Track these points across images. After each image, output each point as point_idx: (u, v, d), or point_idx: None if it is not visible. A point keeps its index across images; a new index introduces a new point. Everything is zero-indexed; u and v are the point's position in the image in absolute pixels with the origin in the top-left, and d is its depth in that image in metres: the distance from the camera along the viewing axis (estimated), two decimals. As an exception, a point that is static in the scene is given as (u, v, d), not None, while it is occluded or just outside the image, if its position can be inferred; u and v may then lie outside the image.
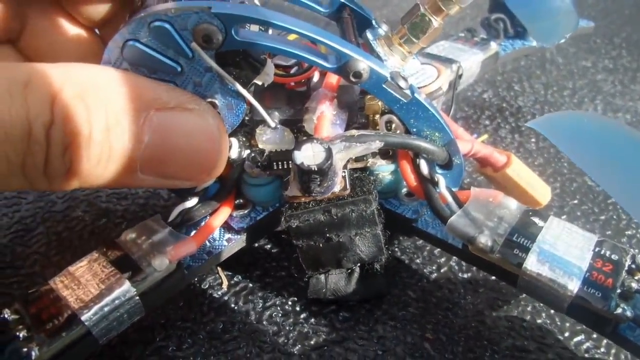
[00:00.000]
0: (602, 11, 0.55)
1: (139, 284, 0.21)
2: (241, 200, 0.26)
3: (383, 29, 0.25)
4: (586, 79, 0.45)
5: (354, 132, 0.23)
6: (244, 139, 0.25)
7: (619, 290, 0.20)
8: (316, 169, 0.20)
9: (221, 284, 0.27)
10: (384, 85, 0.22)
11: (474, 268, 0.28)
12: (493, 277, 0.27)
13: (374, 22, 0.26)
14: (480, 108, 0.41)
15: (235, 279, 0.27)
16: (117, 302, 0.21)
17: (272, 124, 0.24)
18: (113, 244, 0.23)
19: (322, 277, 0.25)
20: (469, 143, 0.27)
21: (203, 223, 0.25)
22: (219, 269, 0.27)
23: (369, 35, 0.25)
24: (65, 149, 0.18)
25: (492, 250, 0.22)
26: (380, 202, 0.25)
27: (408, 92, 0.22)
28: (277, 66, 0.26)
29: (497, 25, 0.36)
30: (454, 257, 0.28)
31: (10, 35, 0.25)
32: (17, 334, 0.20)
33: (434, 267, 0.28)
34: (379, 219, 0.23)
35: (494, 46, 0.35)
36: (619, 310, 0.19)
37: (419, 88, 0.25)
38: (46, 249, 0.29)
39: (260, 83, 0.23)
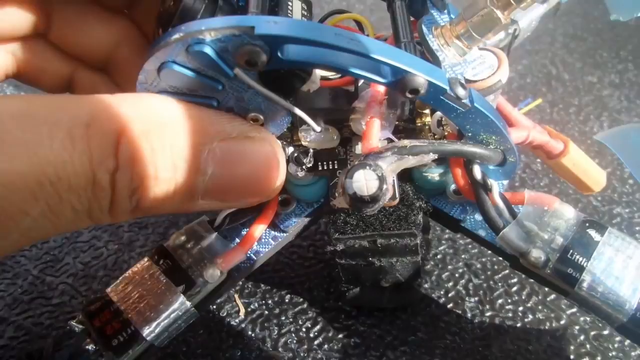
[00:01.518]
0: (608, 23, 0.52)
1: (193, 297, 0.22)
2: (285, 196, 0.26)
3: (442, 19, 0.22)
4: (592, 95, 0.43)
5: (406, 142, 0.21)
6: (288, 133, 0.24)
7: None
8: (369, 200, 0.19)
9: (238, 311, 0.28)
10: (442, 97, 0.20)
11: (481, 292, 0.28)
12: (500, 301, 0.28)
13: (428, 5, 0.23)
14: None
15: (252, 306, 0.28)
16: (173, 315, 0.22)
17: (317, 129, 0.22)
18: (162, 250, 0.23)
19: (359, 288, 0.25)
20: (525, 131, 0.26)
21: (248, 226, 0.24)
22: (236, 296, 0.29)
23: (423, 27, 0.22)
24: (132, 192, 0.17)
25: (545, 266, 0.21)
26: (427, 201, 0.24)
27: (467, 101, 0.20)
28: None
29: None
30: (462, 282, 0.29)
31: (38, 29, 0.23)
32: (87, 347, 0.21)
33: (442, 292, 0.28)
34: (420, 249, 0.23)
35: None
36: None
37: (477, 81, 0.23)
38: (73, 279, 0.30)
39: (305, 90, 0.21)
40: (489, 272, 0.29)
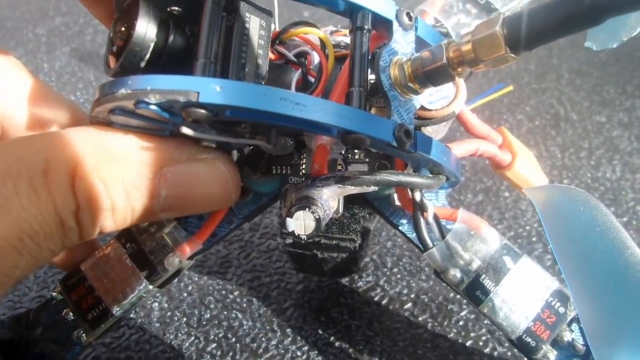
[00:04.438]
0: (613, 55, 0.50)
1: (155, 281, 0.25)
2: (242, 185, 0.27)
3: (406, 40, 0.22)
4: (602, 137, 0.42)
5: (350, 172, 0.23)
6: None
7: (551, 340, 0.24)
8: (305, 239, 0.22)
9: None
10: (386, 146, 0.21)
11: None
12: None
13: (394, 27, 0.22)
14: (499, 179, 0.38)
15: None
16: (138, 295, 0.25)
17: (270, 148, 0.23)
18: (129, 233, 0.26)
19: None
20: (474, 144, 0.27)
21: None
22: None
23: (381, 62, 0.22)
24: (95, 224, 0.20)
25: (459, 285, 0.25)
26: (369, 212, 0.26)
27: (411, 149, 0.21)
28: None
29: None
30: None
31: None
32: (66, 317, 0.25)
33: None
34: (360, 249, 0.25)
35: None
36: (542, 357, 0.24)
37: (431, 110, 0.24)
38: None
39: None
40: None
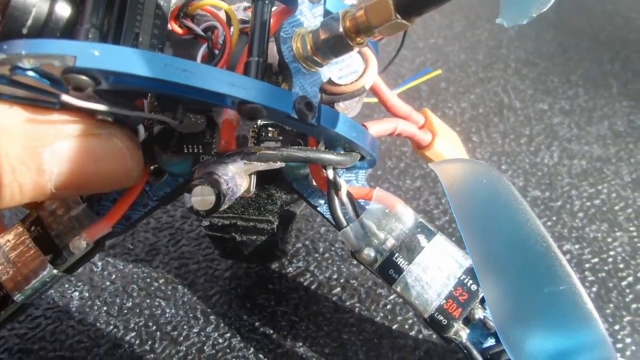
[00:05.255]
0: (559, 46, 0.51)
1: (60, 265, 0.24)
2: (157, 166, 0.26)
3: (313, 13, 0.21)
4: (543, 124, 0.43)
5: (256, 148, 0.22)
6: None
7: (463, 318, 0.24)
8: (204, 215, 0.21)
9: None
10: (285, 118, 0.20)
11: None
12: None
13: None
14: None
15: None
16: (42, 280, 0.24)
17: (176, 124, 0.23)
18: (35, 217, 0.25)
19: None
20: (392, 123, 0.27)
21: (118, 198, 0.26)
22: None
23: (282, 33, 0.21)
24: None
25: (372, 264, 0.24)
26: (286, 192, 0.26)
27: (313, 121, 0.21)
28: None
29: None
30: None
31: None
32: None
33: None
34: (278, 232, 0.25)
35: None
36: (454, 335, 0.24)
37: (339, 85, 0.23)
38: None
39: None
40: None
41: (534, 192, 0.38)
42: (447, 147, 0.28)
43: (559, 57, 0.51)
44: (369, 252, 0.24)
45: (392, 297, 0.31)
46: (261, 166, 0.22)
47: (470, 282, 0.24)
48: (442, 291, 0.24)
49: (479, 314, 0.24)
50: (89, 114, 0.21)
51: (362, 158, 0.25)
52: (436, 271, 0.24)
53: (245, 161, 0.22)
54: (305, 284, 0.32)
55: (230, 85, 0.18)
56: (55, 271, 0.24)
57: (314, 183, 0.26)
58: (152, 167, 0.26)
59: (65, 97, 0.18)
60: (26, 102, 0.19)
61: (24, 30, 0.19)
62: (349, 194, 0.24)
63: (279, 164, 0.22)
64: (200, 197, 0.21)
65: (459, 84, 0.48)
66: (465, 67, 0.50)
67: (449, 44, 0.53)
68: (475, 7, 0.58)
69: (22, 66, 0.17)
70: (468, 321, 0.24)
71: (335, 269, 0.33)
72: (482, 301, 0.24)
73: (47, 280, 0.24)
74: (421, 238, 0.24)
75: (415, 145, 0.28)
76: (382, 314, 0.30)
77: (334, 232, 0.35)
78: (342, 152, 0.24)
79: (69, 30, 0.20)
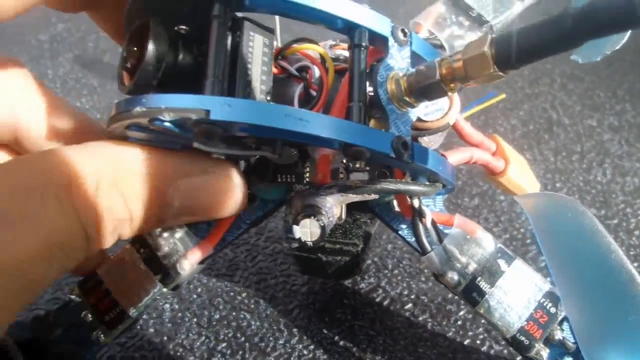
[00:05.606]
0: (604, 60, 0.49)
1: (169, 284, 0.27)
2: (250, 192, 0.29)
3: (402, 56, 0.23)
4: (593, 140, 0.43)
5: (352, 181, 0.24)
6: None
7: (544, 339, 0.25)
8: (311, 245, 0.23)
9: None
10: (385, 158, 0.22)
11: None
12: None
13: (390, 43, 0.23)
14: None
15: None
16: (152, 297, 0.27)
17: (275, 158, 0.25)
18: (142, 239, 0.27)
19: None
20: (469, 152, 0.28)
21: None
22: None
23: (378, 77, 0.23)
24: (114, 231, 0.21)
25: (456, 287, 0.26)
26: (371, 218, 0.28)
27: (408, 160, 0.23)
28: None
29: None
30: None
31: None
32: (85, 319, 0.27)
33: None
34: (362, 253, 0.27)
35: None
36: (535, 354, 0.25)
37: (426, 122, 0.25)
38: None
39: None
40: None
41: (590, 210, 0.39)
42: (519, 174, 0.29)
43: (604, 70, 0.51)
44: (452, 276, 0.26)
45: (462, 312, 0.33)
46: (356, 198, 0.24)
47: (550, 305, 0.25)
48: (523, 313, 0.25)
49: (558, 334, 0.25)
50: (205, 153, 0.23)
51: (443, 186, 0.27)
52: (517, 294, 0.25)
53: (342, 193, 0.24)
54: (378, 299, 0.34)
55: (340, 131, 0.20)
56: (165, 289, 0.27)
57: (397, 209, 0.28)
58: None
59: (196, 144, 0.20)
60: (152, 144, 0.22)
61: (154, 82, 0.21)
62: (433, 221, 0.26)
63: (373, 196, 0.24)
64: (307, 229, 0.23)
65: (507, 100, 0.49)
66: (512, 83, 0.51)
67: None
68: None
69: (161, 118, 0.19)
70: (548, 341, 0.25)
71: (405, 285, 0.34)
72: (561, 322, 0.25)
73: (157, 297, 0.27)
74: (502, 263, 0.26)
75: (489, 172, 0.29)
76: (453, 329, 0.32)
77: (401, 249, 0.37)
78: (427, 182, 0.26)
79: (189, 78, 0.23)
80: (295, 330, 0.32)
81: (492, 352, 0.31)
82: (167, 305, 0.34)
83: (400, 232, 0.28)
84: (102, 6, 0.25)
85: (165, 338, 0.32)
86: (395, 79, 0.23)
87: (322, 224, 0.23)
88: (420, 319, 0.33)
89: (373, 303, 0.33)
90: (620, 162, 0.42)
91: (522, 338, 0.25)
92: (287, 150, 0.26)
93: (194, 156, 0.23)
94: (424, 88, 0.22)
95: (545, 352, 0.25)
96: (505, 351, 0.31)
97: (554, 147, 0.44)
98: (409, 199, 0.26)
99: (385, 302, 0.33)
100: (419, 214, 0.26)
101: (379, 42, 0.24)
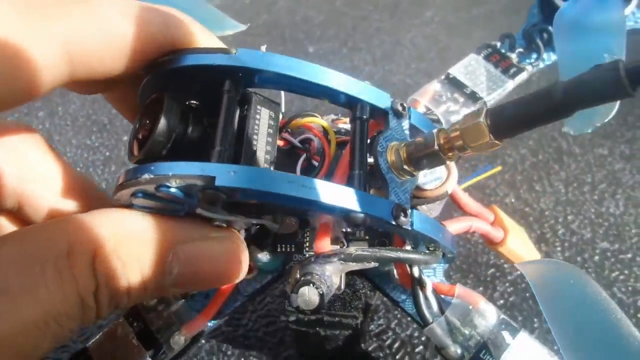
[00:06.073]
0: None
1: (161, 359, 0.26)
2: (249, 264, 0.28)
3: (402, 126, 0.24)
4: (604, 170, 0.43)
5: (352, 250, 0.24)
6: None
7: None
8: (310, 313, 0.22)
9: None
10: (385, 224, 0.22)
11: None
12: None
13: (389, 116, 0.24)
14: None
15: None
16: (145, 373, 0.26)
17: (276, 227, 0.25)
18: (136, 312, 0.27)
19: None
20: (468, 222, 0.28)
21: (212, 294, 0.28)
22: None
23: (379, 147, 0.24)
24: (112, 300, 0.20)
25: (460, 360, 0.25)
26: (370, 289, 0.27)
27: (408, 227, 0.23)
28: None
29: (540, 37, 0.33)
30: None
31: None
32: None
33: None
34: (361, 325, 0.26)
35: (525, 74, 0.32)
36: None
37: (425, 190, 0.26)
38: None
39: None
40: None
41: (603, 244, 0.38)
42: (518, 244, 0.29)
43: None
44: (455, 350, 0.25)
45: None
46: (356, 266, 0.24)
47: (559, 379, 0.24)
48: (530, 388, 0.24)
49: (569, 412, 0.24)
50: (207, 220, 0.23)
51: (443, 255, 0.27)
52: (523, 368, 0.25)
53: (342, 262, 0.24)
54: (387, 342, 0.32)
55: (341, 198, 0.21)
56: (156, 366, 0.26)
57: (396, 279, 0.28)
58: (243, 265, 0.28)
59: (199, 210, 0.21)
60: (155, 212, 0.22)
61: (164, 152, 0.22)
62: (434, 291, 0.26)
63: (372, 264, 0.24)
64: (306, 298, 0.22)
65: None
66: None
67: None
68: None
69: (168, 185, 0.20)
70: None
71: (415, 326, 0.33)
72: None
73: (148, 374, 0.26)
74: (506, 335, 0.25)
75: (488, 241, 0.29)
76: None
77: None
78: (427, 251, 0.26)
79: (196, 147, 0.23)
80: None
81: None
82: None
83: (400, 304, 0.28)
84: (117, 87, 0.26)
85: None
86: (395, 149, 0.24)
87: (320, 292, 0.22)
88: (433, 361, 0.31)
89: (383, 346, 0.32)
90: (633, 192, 0.41)
91: (533, 415, 0.24)
92: (287, 219, 0.26)
93: (196, 222, 0.23)
94: (423, 157, 0.23)
95: None
96: None
97: (565, 178, 0.43)
98: (408, 268, 0.26)
99: (396, 345, 0.32)
100: (419, 283, 0.26)
101: (379, 115, 0.25)
